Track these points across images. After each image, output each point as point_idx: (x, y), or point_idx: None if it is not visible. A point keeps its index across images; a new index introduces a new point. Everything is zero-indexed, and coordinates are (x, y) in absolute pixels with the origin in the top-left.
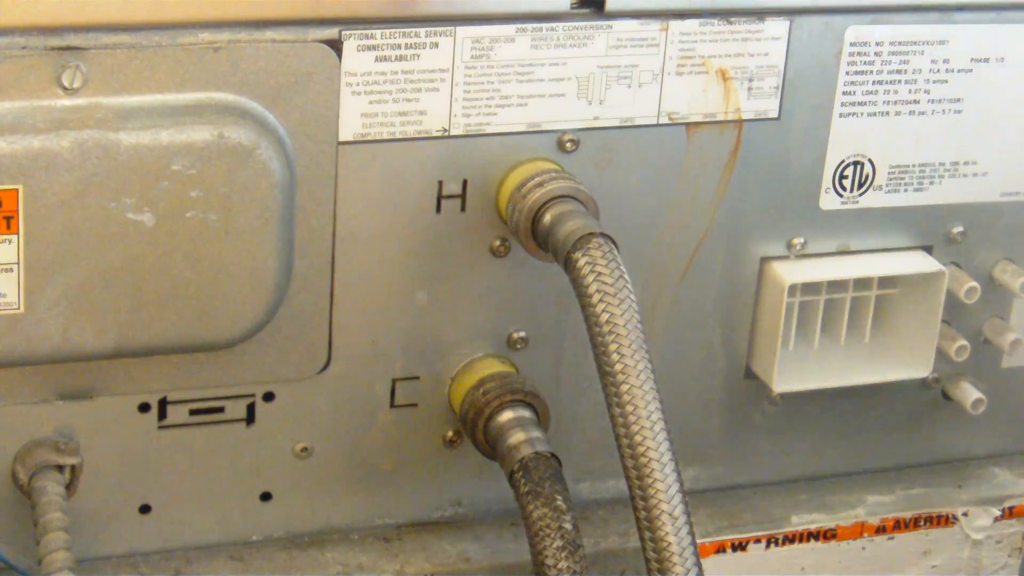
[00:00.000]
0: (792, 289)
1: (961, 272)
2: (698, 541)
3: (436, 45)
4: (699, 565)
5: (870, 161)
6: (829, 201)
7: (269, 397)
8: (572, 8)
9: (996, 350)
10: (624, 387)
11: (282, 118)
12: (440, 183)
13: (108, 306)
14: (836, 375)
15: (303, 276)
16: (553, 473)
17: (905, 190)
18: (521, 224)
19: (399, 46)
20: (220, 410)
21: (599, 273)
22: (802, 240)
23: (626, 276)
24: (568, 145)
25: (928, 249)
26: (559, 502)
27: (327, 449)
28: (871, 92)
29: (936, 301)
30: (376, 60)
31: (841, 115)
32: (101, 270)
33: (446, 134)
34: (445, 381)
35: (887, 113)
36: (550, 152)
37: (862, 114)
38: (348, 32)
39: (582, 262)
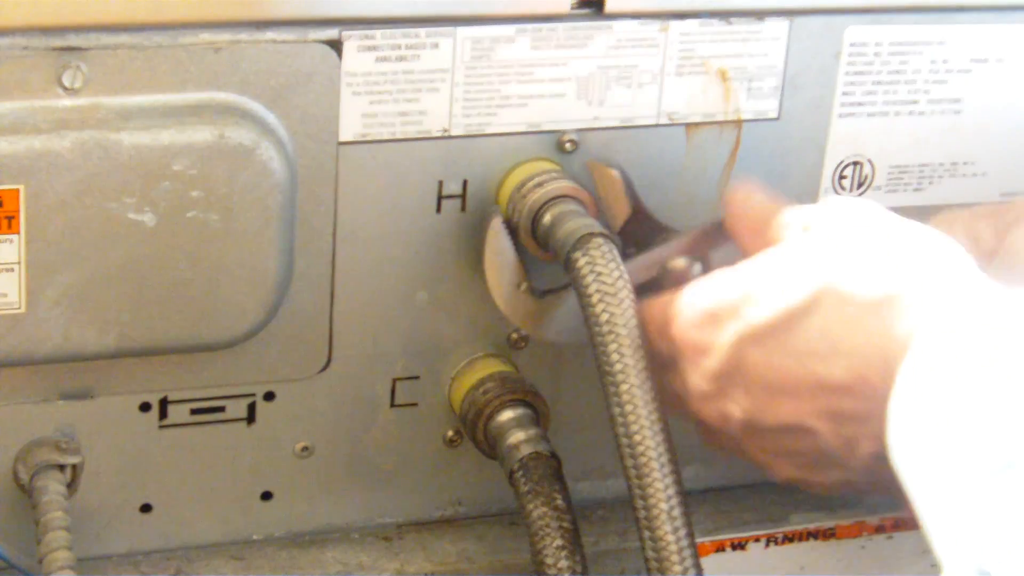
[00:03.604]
0: None
1: None
2: (698, 540)
3: (436, 46)
4: (698, 565)
5: (869, 161)
6: None
7: (270, 396)
8: (572, 9)
9: None
10: (624, 387)
11: (283, 118)
12: (440, 183)
13: (109, 306)
14: None
15: (303, 276)
16: (553, 472)
17: (904, 190)
18: (521, 224)
19: (399, 47)
20: (221, 409)
21: (599, 273)
22: None
23: (626, 276)
24: (568, 145)
25: None
26: (559, 501)
27: (327, 448)
28: (870, 92)
29: None
30: (376, 60)
31: (840, 115)
32: (102, 270)
33: (446, 134)
34: (445, 381)
35: (886, 113)
36: (550, 152)
37: (861, 114)
38: (348, 32)
39: (582, 262)
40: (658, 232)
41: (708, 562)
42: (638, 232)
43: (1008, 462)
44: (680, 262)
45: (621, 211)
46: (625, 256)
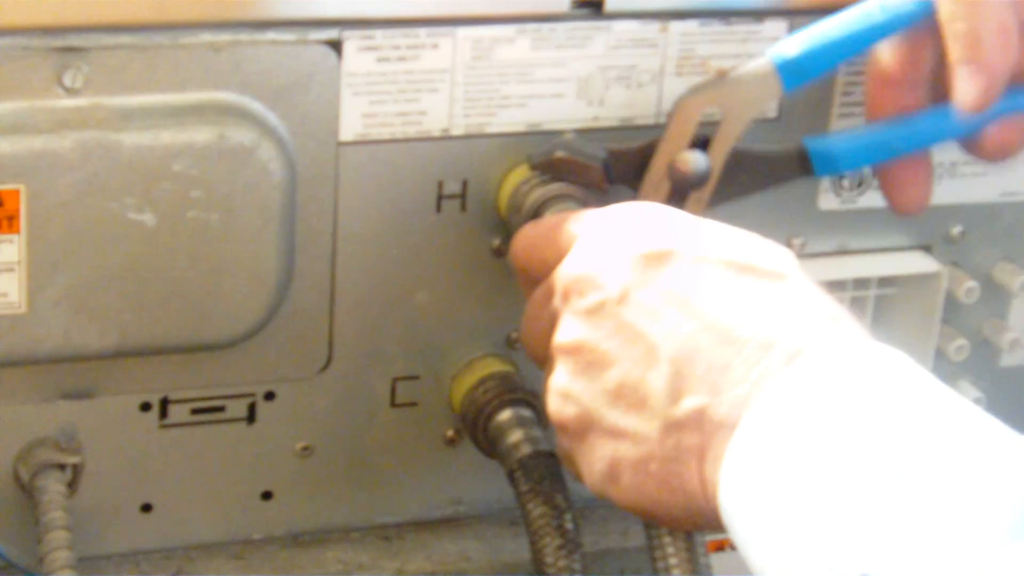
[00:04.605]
0: None
1: (960, 272)
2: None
3: (436, 46)
4: (708, 563)
5: None
6: (828, 201)
7: (270, 396)
8: (572, 9)
9: (995, 349)
10: None
11: (283, 119)
12: (440, 183)
13: (110, 306)
14: None
15: (304, 276)
16: (553, 472)
17: None
18: (521, 224)
19: (399, 47)
20: (221, 409)
21: None
22: (801, 240)
23: None
24: None
25: (927, 249)
26: (559, 500)
27: (328, 448)
28: None
29: (935, 301)
30: (377, 61)
31: (840, 115)
32: (103, 270)
33: (446, 134)
34: (445, 380)
35: None
36: None
37: (861, 114)
38: (349, 33)
39: None
40: (640, 154)
41: None
42: (624, 169)
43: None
44: (682, 156)
45: (595, 170)
46: None
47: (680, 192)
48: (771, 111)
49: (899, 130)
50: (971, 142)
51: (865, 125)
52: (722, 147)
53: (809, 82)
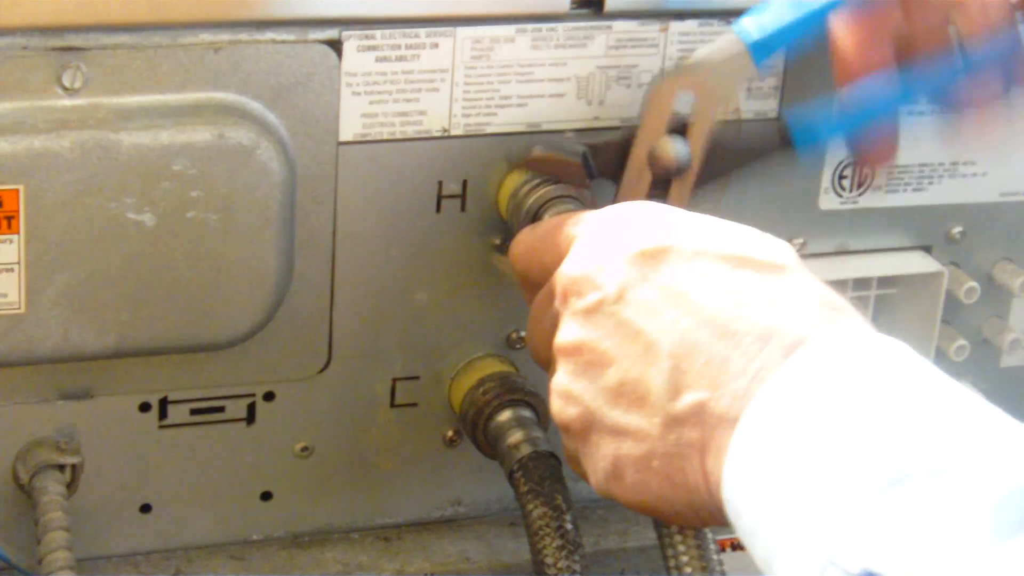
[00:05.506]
0: None
1: (960, 272)
2: None
3: (436, 45)
4: (721, 561)
5: None
6: (828, 201)
7: (269, 397)
8: (571, 8)
9: (995, 350)
10: None
11: (282, 118)
12: (440, 183)
13: (109, 306)
14: None
15: (303, 276)
16: (553, 472)
17: (904, 190)
18: (522, 224)
19: (399, 46)
20: (221, 410)
21: None
22: (801, 240)
23: None
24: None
25: (927, 249)
26: (559, 501)
27: (327, 449)
28: None
29: (935, 301)
30: (376, 60)
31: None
32: (102, 270)
33: (446, 134)
34: (445, 381)
35: None
36: None
37: None
38: (348, 33)
39: None
40: (619, 146)
41: None
42: (604, 162)
43: (893, 479)
44: (661, 145)
45: (574, 166)
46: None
47: (662, 181)
48: (771, 111)
49: (874, 93)
50: (945, 96)
51: (840, 92)
52: (701, 131)
53: (778, 53)
